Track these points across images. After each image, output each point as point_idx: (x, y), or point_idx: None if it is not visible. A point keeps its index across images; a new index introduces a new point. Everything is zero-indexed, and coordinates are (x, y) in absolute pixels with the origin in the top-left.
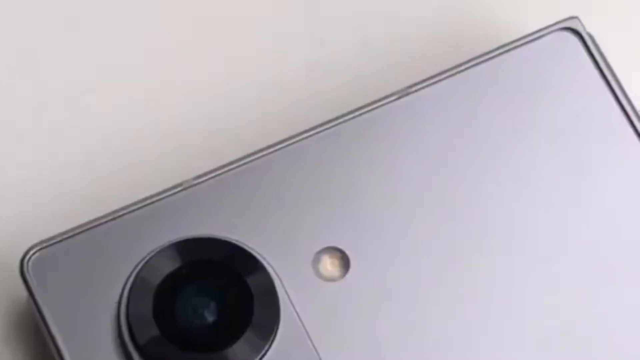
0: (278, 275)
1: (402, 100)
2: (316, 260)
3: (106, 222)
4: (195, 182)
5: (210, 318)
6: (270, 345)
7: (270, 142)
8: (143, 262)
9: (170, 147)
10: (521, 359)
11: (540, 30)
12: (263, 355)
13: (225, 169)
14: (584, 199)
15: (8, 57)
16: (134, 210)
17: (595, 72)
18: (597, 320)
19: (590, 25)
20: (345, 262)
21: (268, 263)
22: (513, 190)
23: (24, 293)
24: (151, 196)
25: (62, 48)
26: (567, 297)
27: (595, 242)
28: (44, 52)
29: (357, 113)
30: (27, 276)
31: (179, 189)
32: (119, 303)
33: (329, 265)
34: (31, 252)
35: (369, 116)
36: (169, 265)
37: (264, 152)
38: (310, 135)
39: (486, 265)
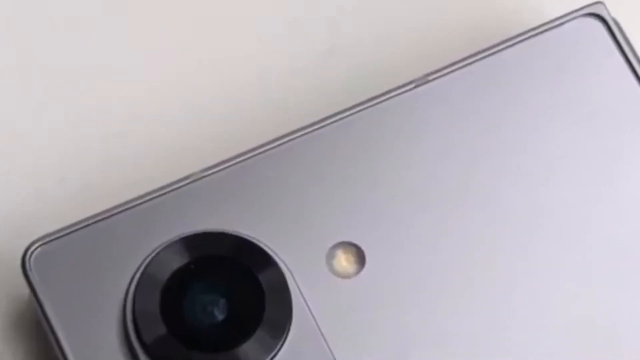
0: (290, 272)
1: (420, 88)
2: (330, 255)
3: (111, 216)
4: (204, 174)
5: (219, 316)
6: (282, 345)
7: (282, 132)
8: (150, 257)
9: (178, 138)
10: (546, 352)
11: (564, 15)
12: (275, 355)
13: (236, 160)
14: (610, 187)
15: (8, 54)
16: (140, 204)
17: (620, 58)
18: (626, 311)
19: (615, 11)
20: (360, 257)
21: (280, 259)
22: (538, 180)
23: (25, 290)
24: (158, 189)
25: (63, 46)
26: (594, 287)
27: (623, 230)
28: (45, 48)
29: (373, 102)
30: (29, 273)
31: (187, 181)
32: (125, 300)
33: (343, 260)
34: (33, 248)
35: (386, 105)
36: (176, 261)
37: (276, 143)
38: (324, 125)
39: (510, 260)
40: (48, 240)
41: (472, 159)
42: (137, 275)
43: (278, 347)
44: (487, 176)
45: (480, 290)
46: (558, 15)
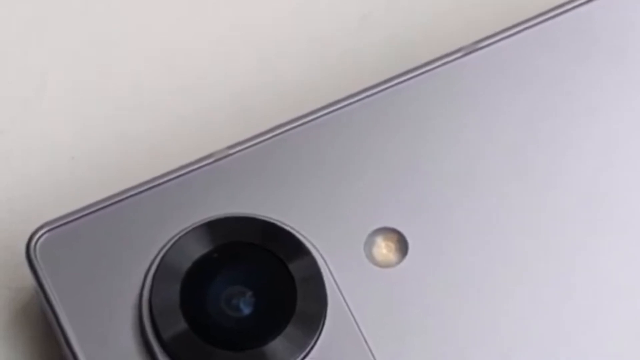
0: (325, 261)
1: (469, 57)
2: (369, 243)
3: (125, 199)
4: (230, 152)
5: (246, 310)
6: (315, 342)
7: (317, 106)
8: (169, 245)
9: (200, 111)
10: (607, 353)
11: None
12: (307, 353)
13: (265, 136)
14: None
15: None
16: (157, 185)
17: None
18: None
19: None
20: (402, 245)
21: (313, 246)
22: (601, 162)
23: (29, 282)
24: (177, 169)
25: (70, 19)
26: None
27: None
28: (50, 21)
29: (417, 72)
30: (34, 262)
31: (209, 160)
32: (141, 292)
33: (384, 248)
34: (39, 234)
35: (430, 76)
36: (198, 249)
37: (310, 117)
38: (363, 97)
39: (569, 252)
40: (55, 225)
41: (525, 136)
42: (155, 264)
43: (311, 344)
44: (543, 155)
45: (535, 284)
46: None
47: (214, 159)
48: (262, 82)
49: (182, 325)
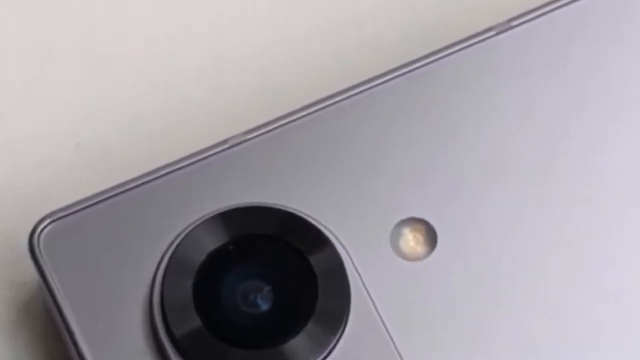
0: (348, 253)
1: (501, 36)
2: (396, 234)
3: (134, 187)
4: (246, 137)
5: (263, 306)
6: (337, 340)
7: (339, 88)
8: (181, 237)
9: (214, 93)
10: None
11: None
12: (329, 352)
13: (285, 120)
14: None
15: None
16: (168, 174)
17: None
18: None
19: None
20: (431, 236)
21: (336, 238)
22: (638, 148)
23: (32, 276)
24: (190, 155)
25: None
26: None
27: None
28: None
29: (447, 52)
30: (38, 254)
31: (225, 146)
32: (152, 287)
33: (411, 240)
34: (42, 225)
35: (461, 56)
36: (212, 241)
37: (331, 100)
38: (389, 79)
39: (606, 246)
40: (60, 216)
41: (561, 120)
42: (166, 258)
43: (333, 343)
44: (580, 142)
45: (571, 280)
46: None
47: (229, 145)
48: (282, 61)
49: (195, 322)
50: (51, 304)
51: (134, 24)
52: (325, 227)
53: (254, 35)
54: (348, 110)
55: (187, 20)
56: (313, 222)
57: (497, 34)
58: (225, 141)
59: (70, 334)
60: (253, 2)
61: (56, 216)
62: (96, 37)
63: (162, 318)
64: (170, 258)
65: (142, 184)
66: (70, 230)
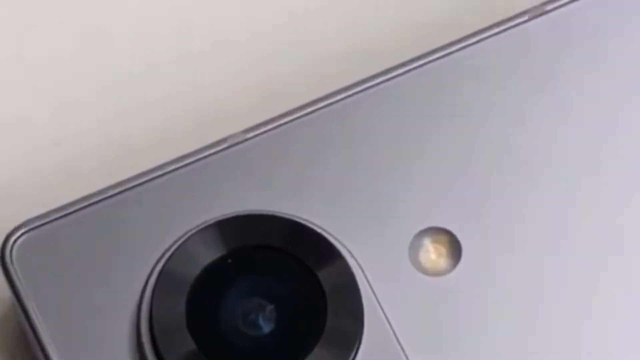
0: (361, 267)
1: (535, 21)
2: (415, 246)
3: (120, 192)
4: (246, 136)
5: (266, 327)
6: None
7: (353, 81)
8: (173, 248)
9: (210, 87)
10: None
11: None
12: None
13: (290, 117)
14: None
15: None
16: (159, 177)
17: None
18: None
19: None
20: (455, 249)
21: (347, 250)
22: None
23: (3, 292)
24: (184, 156)
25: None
26: None
27: None
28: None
29: (475, 39)
30: (10, 267)
31: (223, 146)
32: (139, 304)
33: (432, 253)
34: (16, 235)
35: (490, 44)
36: (209, 253)
37: (342, 95)
38: (408, 70)
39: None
40: (36, 225)
41: (599, 119)
42: (156, 271)
43: None
44: (621, 143)
45: (610, 298)
46: None
47: (228, 145)
48: (287, 54)
49: (188, 345)
50: (25, 323)
51: (124, 10)
52: (335, 238)
53: (258, 25)
54: (359, 106)
55: (183, 16)
56: (322, 232)
57: (531, 18)
58: (223, 140)
59: (45, 354)
60: (254, 2)
61: (31, 225)
62: (76, 24)
63: (151, 339)
64: (161, 272)
65: (129, 188)
66: (46, 240)
